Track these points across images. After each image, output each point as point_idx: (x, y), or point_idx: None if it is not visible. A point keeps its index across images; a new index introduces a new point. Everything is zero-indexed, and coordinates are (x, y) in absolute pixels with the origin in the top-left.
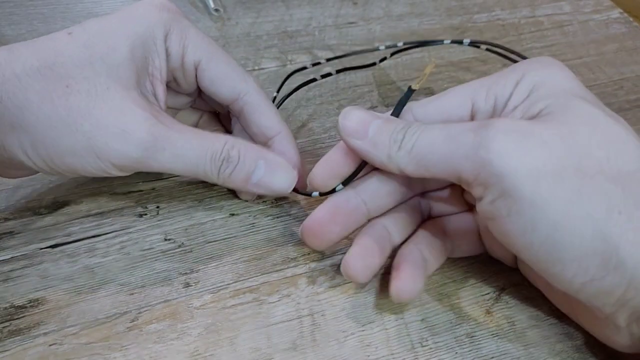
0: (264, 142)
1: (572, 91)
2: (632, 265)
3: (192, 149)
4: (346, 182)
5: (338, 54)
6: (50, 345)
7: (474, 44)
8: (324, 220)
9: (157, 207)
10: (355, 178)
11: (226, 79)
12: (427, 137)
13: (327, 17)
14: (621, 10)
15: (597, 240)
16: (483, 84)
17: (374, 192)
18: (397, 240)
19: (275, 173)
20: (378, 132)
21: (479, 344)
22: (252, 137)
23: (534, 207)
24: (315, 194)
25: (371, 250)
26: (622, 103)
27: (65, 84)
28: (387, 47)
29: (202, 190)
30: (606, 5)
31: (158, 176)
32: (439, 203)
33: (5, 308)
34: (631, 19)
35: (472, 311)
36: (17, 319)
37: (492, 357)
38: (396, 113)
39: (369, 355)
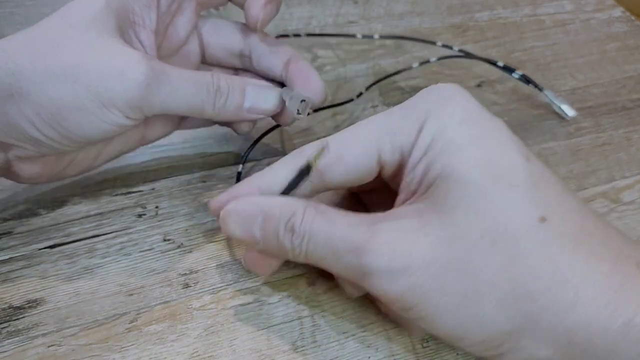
0: (279, 75)
1: (469, 133)
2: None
3: (188, 80)
4: (286, 190)
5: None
6: (49, 346)
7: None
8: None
9: (157, 207)
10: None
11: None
12: (316, 243)
13: (328, 16)
14: (623, 9)
15: (484, 336)
16: (387, 129)
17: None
18: None
19: (263, 94)
20: (265, 236)
21: None
22: (265, 76)
23: (427, 318)
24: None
25: None
26: (625, 102)
27: (55, 45)
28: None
29: (202, 190)
30: (608, 4)
31: (158, 176)
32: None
33: (4, 309)
34: (633, 18)
35: None
36: (15, 319)
37: None
38: (287, 192)
39: (369, 357)
